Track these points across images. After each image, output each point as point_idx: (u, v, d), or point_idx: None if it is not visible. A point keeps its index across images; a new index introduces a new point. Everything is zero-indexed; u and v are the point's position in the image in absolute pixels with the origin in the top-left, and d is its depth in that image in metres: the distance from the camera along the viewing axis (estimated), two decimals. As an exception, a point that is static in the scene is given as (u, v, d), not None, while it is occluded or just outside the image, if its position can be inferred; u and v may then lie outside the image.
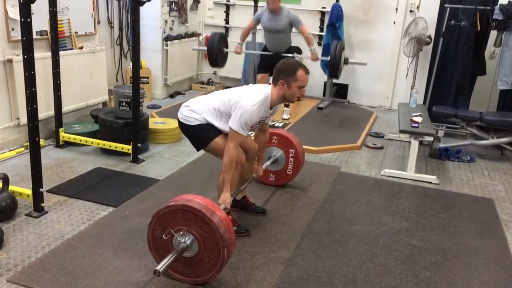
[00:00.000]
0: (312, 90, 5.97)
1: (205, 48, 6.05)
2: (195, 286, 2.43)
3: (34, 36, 2.99)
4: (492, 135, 4.85)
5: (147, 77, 6.49)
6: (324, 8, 6.86)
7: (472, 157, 4.82)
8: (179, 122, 2.94)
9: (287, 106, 5.95)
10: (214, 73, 7.68)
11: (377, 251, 2.91)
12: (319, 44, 6.93)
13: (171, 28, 6.76)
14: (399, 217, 3.41)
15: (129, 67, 6.29)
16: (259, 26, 6.65)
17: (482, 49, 5.38)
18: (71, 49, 4.87)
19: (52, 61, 4.23)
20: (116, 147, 4.19)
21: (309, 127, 5.58)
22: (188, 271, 2.39)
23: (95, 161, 4.16)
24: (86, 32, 5.10)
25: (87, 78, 5.04)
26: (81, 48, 4.97)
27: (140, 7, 3.96)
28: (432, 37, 5.91)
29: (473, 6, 5.16)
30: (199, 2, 7.36)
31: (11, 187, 3.11)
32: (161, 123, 4.96)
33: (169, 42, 6.60)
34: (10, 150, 4.07)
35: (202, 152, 4.34)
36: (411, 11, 6.50)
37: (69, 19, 4.80)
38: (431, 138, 4.66)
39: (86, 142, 4.33)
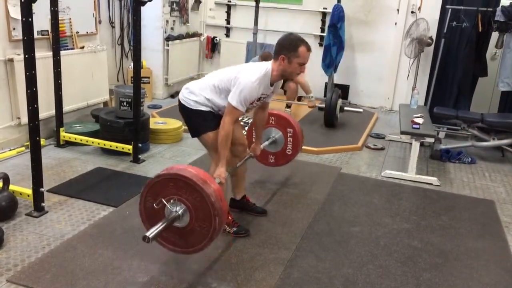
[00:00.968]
0: (313, 91, 5.97)
1: None
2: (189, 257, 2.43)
3: (35, 35, 2.99)
4: (493, 137, 4.84)
5: (148, 77, 6.49)
6: (326, 8, 6.86)
7: (473, 158, 4.81)
8: (179, 103, 2.91)
9: (288, 107, 5.95)
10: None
11: (377, 252, 2.91)
12: (320, 45, 6.93)
13: (172, 28, 6.76)
14: (399, 219, 3.40)
15: (130, 67, 6.29)
16: (260, 27, 6.68)
17: (484, 51, 5.37)
18: (72, 48, 4.87)
19: (53, 61, 4.23)
20: (116, 147, 4.19)
21: (310, 128, 5.57)
22: (180, 241, 2.37)
23: (95, 161, 4.16)
24: (87, 32, 5.10)
25: (88, 77, 5.04)
26: (82, 47, 4.97)
27: (142, 7, 3.95)
28: (434, 38, 5.91)
29: (474, 8, 5.15)
30: (200, 2, 7.36)
31: (12, 187, 3.11)
32: (161, 123, 4.96)
33: (170, 42, 6.60)
34: (10, 150, 4.07)
35: (202, 152, 4.37)
36: (412, 12, 6.49)
37: (70, 18, 4.80)
38: (432, 140, 4.66)
39: (87, 142, 4.33)
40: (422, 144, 4.78)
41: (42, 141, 3.62)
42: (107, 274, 2.49)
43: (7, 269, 2.50)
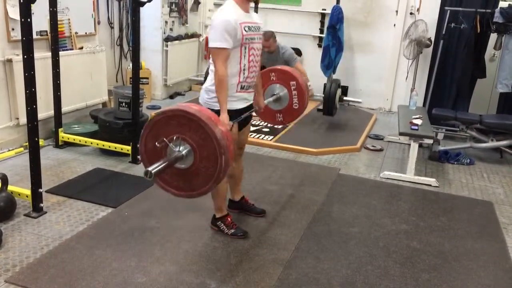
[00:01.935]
0: (313, 87, 5.95)
1: None
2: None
3: (34, 36, 2.99)
4: (492, 138, 4.85)
5: (147, 78, 6.49)
6: (325, 10, 6.86)
7: (471, 159, 4.82)
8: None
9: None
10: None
11: (376, 253, 2.91)
12: (319, 46, 6.94)
13: (171, 29, 6.75)
14: (398, 220, 3.40)
15: (129, 67, 6.29)
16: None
17: (482, 52, 5.38)
18: (71, 49, 4.87)
19: (52, 61, 4.23)
20: (115, 148, 4.18)
21: (308, 128, 5.57)
22: (184, 184, 2.26)
23: (94, 161, 4.15)
24: (86, 33, 5.09)
25: (87, 78, 5.04)
26: (81, 48, 4.97)
27: (141, 8, 3.96)
28: (432, 39, 5.91)
29: (473, 9, 5.16)
30: (199, 3, 7.36)
31: (10, 187, 3.11)
32: (160, 124, 4.95)
33: (169, 43, 6.60)
34: (9, 150, 4.07)
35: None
36: (411, 13, 6.50)
37: (69, 19, 4.80)
38: (430, 141, 4.66)
39: (86, 142, 4.32)
40: (420, 145, 4.78)
41: (41, 142, 3.62)
42: (105, 274, 2.49)
43: (6, 269, 2.49)
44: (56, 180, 3.69)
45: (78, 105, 4.95)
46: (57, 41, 4.23)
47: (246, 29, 2.62)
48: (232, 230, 2.96)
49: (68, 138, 4.38)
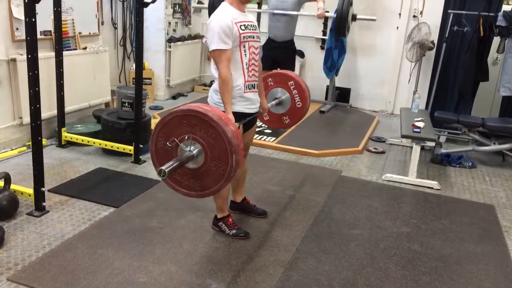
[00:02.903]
0: (314, 94, 5.96)
1: None
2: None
3: (38, 36, 3.00)
4: (494, 141, 4.84)
5: (150, 78, 6.51)
6: (328, 12, 6.86)
7: (473, 163, 4.81)
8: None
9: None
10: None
11: (377, 255, 2.91)
12: (322, 48, 6.95)
13: (174, 30, 6.77)
14: (399, 222, 3.40)
15: (132, 68, 6.31)
16: (262, 29, 6.61)
17: (485, 55, 5.38)
18: (75, 49, 4.88)
19: (55, 61, 4.25)
20: (117, 148, 4.20)
21: (310, 130, 5.57)
22: (194, 184, 2.26)
23: (96, 161, 4.17)
24: (90, 33, 5.11)
25: (90, 78, 5.06)
26: (85, 48, 4.98)
27: (144, 9, 3.97)
28: (435, 42, 5.91)
29: (476, 12, 5.16)
30: (202, 4, 7.37)
31: (13, 186, 3.12)
32: (163, 124, 4.96)
33: (172, 44, 6.62)
34: (12, 149, 4.09)
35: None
36: (414, 16, 6.50)
37: (73, 19, 4.82)
38: (433, 144, 4.66)
39: (88, 142, 4.34)
40: (422, 148, 4.78)
41: (44, 141, 3.64)
42: (107, 274, 2.50)
43: (8, 268, 2.50)
44: (59, 179, 3.70)
45: (81, 105, 4.97)
46: (61, 41, 4.25)
47: (242, 27, 2.63)
48: (234, 231, 2.97)
49: (71, 138, 4.40)
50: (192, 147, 2.17)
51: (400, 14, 6.59)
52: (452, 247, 3.09)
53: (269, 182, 3.95)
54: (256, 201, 3.43)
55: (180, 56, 6.82)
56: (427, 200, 3.88)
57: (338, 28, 5.28)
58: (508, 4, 5.93)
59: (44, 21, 4.35)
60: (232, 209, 3.25)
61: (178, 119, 2.18)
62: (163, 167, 2.04)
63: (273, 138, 5.07)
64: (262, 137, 5.08)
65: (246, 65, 2.69)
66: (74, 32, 4.87)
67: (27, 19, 2.79)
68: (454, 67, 5.57)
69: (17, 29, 4.13)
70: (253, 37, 2.72)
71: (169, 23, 6.62)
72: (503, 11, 5.03)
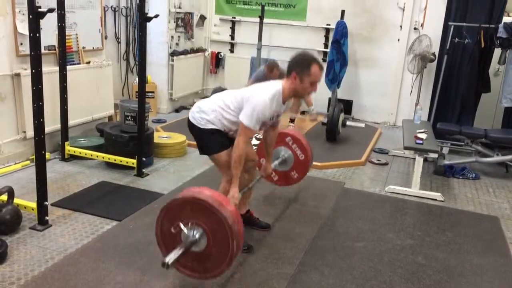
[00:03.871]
0: (316, 106, 5.99)
1: None
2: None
3: (42, 50, 3.03)
4: (497, 152, 4.84)
5: (153, 92, 6.54)
6: (329, 25, 6.92)
7: (477, 174, 4.80)
8: (189, 122, 2.90)
9: (292, 121, 5.98)
10: (219, 87, 7.72)
11: (381, 268, 2.89)
12: (324, 60, 6.98)
13: (177, 44, 6.83)
14: (403, 234, 3.38)
15: (135, 81, 6.35)
16: (264, 42, 6.71)
17: (486, 67, 5.40)
18: (79, 63, 4.92)
19: (59, 76, 4.28)
20: (120, 161, 4.21)
21: (313, 142, 5.56)
22: (197, 266, 2.32)
23: (99, 174, 4.17)
24: (93, 47, 5.16)
25: (94, 92, 5.09)
26: (88, 62, 5.02)
27: (147, 23, 4.01)
28: (436, 54, 5.94)
29: (477, 24, 5.19)
30: (205, 18, 7.44)
31: (16, 200, 3.12)
32: (166, 137, 4.99)
33: (175, 57, 6.67)
34: (16, 163, 4.10)
35: (206, 166, 4.38)
36: (415, 28, 6.54)
37: (77, 34, 4.86)
38: (435, 155, 4.65)
39: (91, 155, 4.35)
40: (425, 160, 4.77)
41: (47, 155, 3.64)
42: (110, 288, 2.49)
43: (10, 282, 2.50)
44: (62, 193, 3.70)
45: (84, 118, 4.99)
46: (64, 55, 4.29)
47: (273, 117, 2.81)
48: (237, 244, 2.95)
49: (74, 151, 4.41)
50: (195, 232, 2.25)
51: (401, 27, 6.64)
52: (457, 260, 3.07)
53: (272, 194, 3.94)
54: (259, 214, 3.42)
55: (182, 70, 6.87)
56: (431, 212, 3.86)
57: (329, 132, 5.50)
58: (508, 16, 5.96)
59: (49, 36, 4.39)
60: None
61: (181, 205, 2.28)
62: (166, 260, 2.12)
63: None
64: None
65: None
66: (78, 47, 4.92)
67: (31, 34, 2.83)
68: (456, 79, 5.59)
69: (21, 44, 4.17)
70: (273, 118, 2.85)
71: (172, 37, 6.68)
72: (504, 23, 5.06)
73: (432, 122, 5.46)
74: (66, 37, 4.33)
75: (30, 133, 4.12)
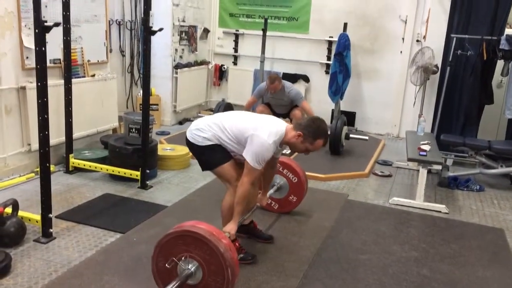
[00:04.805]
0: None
1: None
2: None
3: (48, 64, 3.06)
4: (501, 164, 4.82)
5: (157, 104, 6.58)
6: (332, 37, 6.96)
7: (481, 186, 4.78)
8: (187, 142, 2.94)
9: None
10: (223, 100, 7.76)
11: (386, 281, 2.88)
12: (327, 72, 7.02)
13: (181, 57, 6.88)
14: (408, 247, 3.37)
15: (139, 94, 6.39)
16: (267, 55, 6.74)
17: (489, 79, 5.41)
18: (83, 76, 4.97)
19: (64, 89, 4.31)
20: (124, 173, 4.22)
21: (316, 154, 5.56)
22: None
23: (103, 187, 4.19)
24: (98, 60, 5.21)
25: (98, 105, 5.12)
26: (93, 75, 5.07)
27: (152, 36, 4.05)
28: (439, 66, 5.96)
29: (479, 36, 5.21)
30: (208, 31, 7.51)
31: (20, 213, 3.13)
32: (169, 149, 5.00)
33: (179, 70, 6.71)
34: (20, 176, 4.12)
35: (210, 178, 4.38)
36: (417, 40, 6.57)
37: (82, 47, 4.91)
38: (439, 167, 4.64)
39: (95, 168, 4.37)
40: (429, 171, 4.77)
41: (52, 167, 3.66)
42: (113, 301, 2.48)
43: (14, 295, 2.50)
44: (66, 205, 3.71)
45: (89, 131, 5.02)
46: (70, 69, 4.33)
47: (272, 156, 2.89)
48: (241, 255, 2.94)
49: (78, 164, 4.43)
50: (190, 265, 2.30)
51: (403, 39, 6.67)
52: (462, 272, 3.05)
53: (276, 206, 3.93)
54: (263, 226, 3.42)
55: (186, 82, 6.91)
56: (435, 224, 3.84)
57: (332, 147, 5.50)
58: (510, 28, 5.99)
59: (54, 49, 4.43)
60: (239, 231, 3.22)
61: (174, 240, 2.33)
62: None
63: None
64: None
65: None
66: (83, 60, 4.96)
67: (37, 48, 2.86)
68: (459, 90, 5.60)
69: (27, 57, 4.22)
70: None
71: (176, 49, 6.73)
72: (506, 35, 5.08)
73: (436, 134, 5.45)
74: (72, 51, 4.37)
75: (35, 145, 4.13)
